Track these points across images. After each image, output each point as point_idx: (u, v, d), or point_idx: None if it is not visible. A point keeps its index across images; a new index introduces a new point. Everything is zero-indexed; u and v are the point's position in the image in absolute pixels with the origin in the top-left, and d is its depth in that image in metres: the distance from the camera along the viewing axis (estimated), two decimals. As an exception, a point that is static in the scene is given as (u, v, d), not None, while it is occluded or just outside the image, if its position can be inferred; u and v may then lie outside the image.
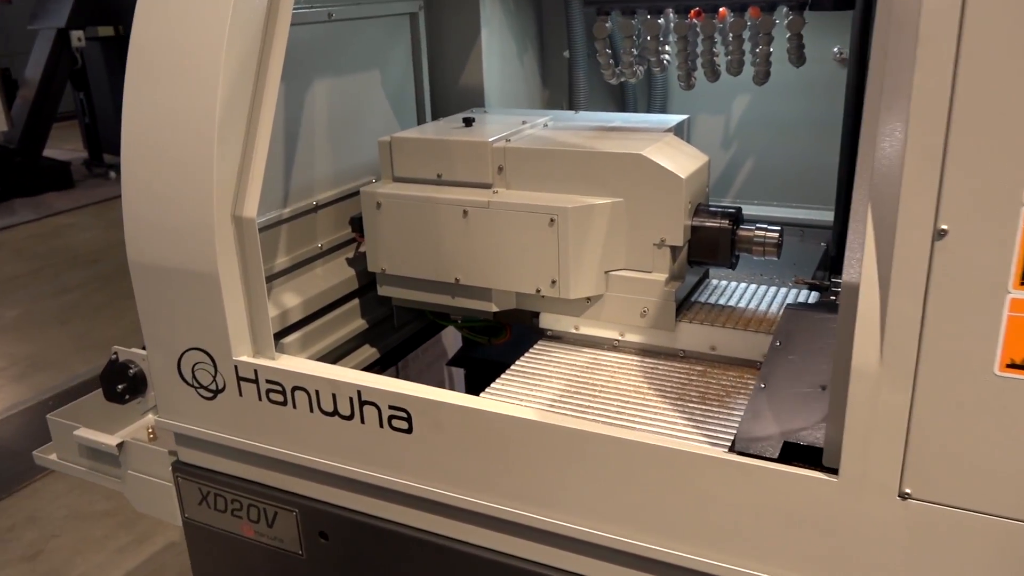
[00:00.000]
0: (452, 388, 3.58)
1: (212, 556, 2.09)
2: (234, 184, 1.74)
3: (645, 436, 1.50)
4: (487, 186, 2.18)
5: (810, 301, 2.18)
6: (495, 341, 2.59)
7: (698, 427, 1.77)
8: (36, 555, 3.70)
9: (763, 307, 2.16)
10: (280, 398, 1.79)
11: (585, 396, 1.95)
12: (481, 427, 1.58)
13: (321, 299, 2.37)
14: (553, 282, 2.10)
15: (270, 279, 2.25)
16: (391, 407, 1.66)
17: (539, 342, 2.25)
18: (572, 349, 2.19)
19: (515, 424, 1.55)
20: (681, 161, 2.07)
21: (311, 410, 1.76)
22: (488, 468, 1.61)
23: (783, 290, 2.27)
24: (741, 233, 2.08)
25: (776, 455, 1.40)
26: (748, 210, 3.07)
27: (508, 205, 2.09)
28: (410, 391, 1.64)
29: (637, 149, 2.03)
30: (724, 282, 2.33)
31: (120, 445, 2.12)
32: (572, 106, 3.06)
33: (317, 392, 1.74)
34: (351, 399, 1.70)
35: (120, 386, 2.04)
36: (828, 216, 2.93)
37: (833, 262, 2.77)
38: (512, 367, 2.12)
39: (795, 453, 1.44)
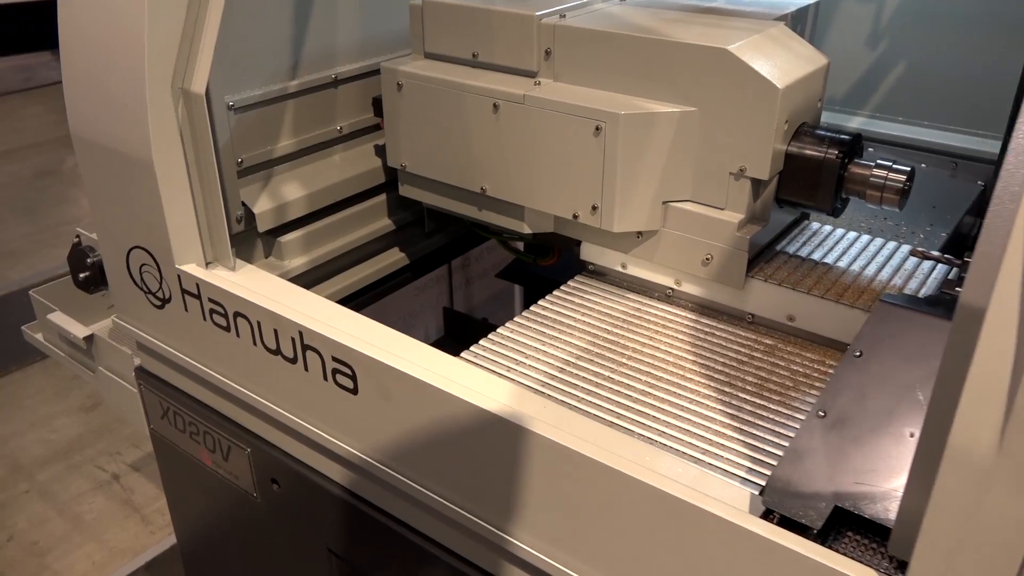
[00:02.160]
0: (512, 302, 3.22)
1: (179, 473, 1.86)
2: (176, 49, 1.36)
3: (636, 462, 1.07)
4: (531, 74, 1.71)
5: (922, 290, 1.62)
6: (542, 262, 2.17)
7: (739, 434, 1.32)
8: (93, 407, 3.71)
9: (870, 270, 1.63)
10: (223, 322, 1.46)
11: (607, 362, 1.52)
12: (433, 406, 1.20)
13: (334, 192, 2.01)
14: (594, 208, 1.64)
15: (269, 164, 1.90)
16: (335, 359, 1.30)
17: (577, 276, 1.82)
18: (614, 292, 1.75)
19: (472, 413, 1.16)
20: (783, 63, 1.52)
21: (254, 343, 1.43)
22: (442, 456, 1.24)
23: (905, 249, 1.72)
24: (854, 170, 1.54)
25: (819, 525, 0.96)
26: (887, 130, 2.44)
27: (546, 103, 1.62)
28: (357, 344, 1.27)
29: (723, 42, 1.49)
30: (827, 228, 1.79)
31: (89, 338, 1.88)
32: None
33: (259, 324, 1.40)
34: (293, 340, 1.35)
35: (82, 275, 1.77)
36: (993, 147, 2.28)
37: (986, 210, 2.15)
38: (533, 307, 1.71)
39: (852, 518, 0.99)
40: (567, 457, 1.08)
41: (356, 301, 2.15)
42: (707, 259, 1.62)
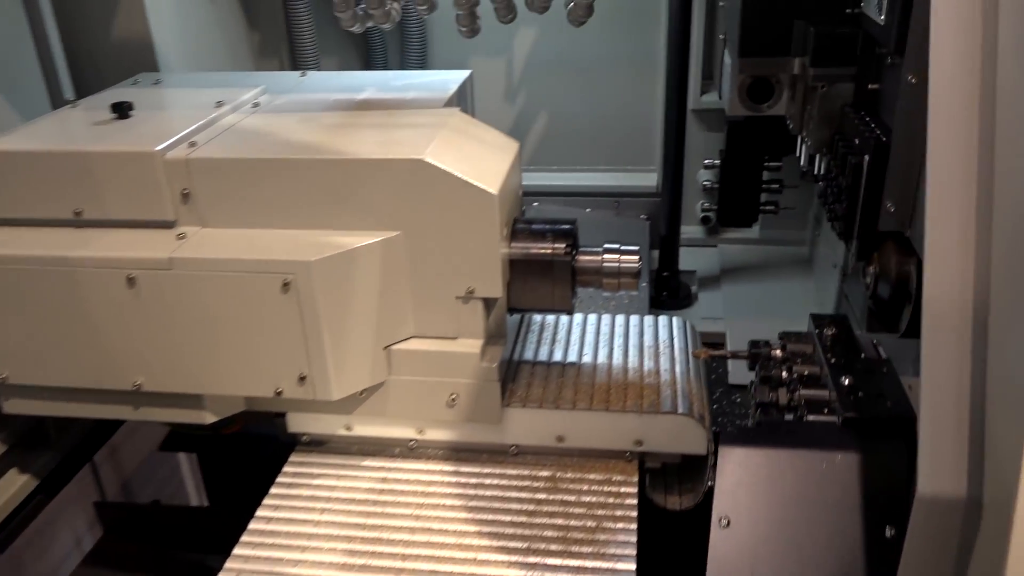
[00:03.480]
0: (176, 463, 2.64)
1: None
2: None
3: None
4: (167, 225, 1.29)
5: (678, 367, 1.53)
6: (223, 431, 1.72)
7: (580, 624, 1.08)
8: None
9: (618, 358, 1.49)
10: None
11: (380, 573, 1.18)
12: None
13: None
14: (302, 378, 1.27)
15: None
16: None
17: (293, 456, 1.43)
18: (347, 463, 1.40)
19: None
20: (484, 161, 1.30)
21: None
22: None
23: (635, 319, 1.61)
24: (583, 260, 1.37)
25: None
26: (544, 181, 2.40)
27: (205, 263, 1.21)
28: None
29: (413, 150, 1.22)
30: (549, 318, 1.62)
31: None
32: (295, 60, 2.15)
33: None
34: None
35: None
36: (647, 180, 2.34)
37: (664, 244, 2.18)
38: (253, 523, 1.29)
39: None
40: None
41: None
42: (452, 399, 1.34)
